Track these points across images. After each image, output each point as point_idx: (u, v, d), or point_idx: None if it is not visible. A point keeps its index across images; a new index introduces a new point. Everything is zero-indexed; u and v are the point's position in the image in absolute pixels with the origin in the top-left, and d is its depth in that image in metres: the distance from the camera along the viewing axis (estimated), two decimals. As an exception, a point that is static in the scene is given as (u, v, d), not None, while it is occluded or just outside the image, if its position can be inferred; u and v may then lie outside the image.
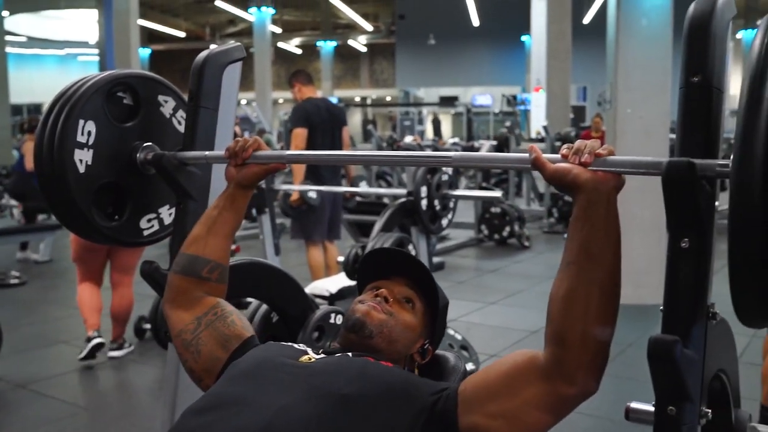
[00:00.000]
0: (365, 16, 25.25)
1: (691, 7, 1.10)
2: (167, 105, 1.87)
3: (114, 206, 1.79)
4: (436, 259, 4.12)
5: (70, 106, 1.68)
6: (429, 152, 1.36)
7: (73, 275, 4.26)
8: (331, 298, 3.98)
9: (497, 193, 5.22)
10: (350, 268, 3.62)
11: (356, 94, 29.76)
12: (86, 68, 21.22)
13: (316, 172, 5.08)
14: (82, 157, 1.68)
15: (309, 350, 1.32)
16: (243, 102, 17.22)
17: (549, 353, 1.12)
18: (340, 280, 4.07)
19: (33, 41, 22.59)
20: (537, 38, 16.53)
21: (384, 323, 1.33)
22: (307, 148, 4.99)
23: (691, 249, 1.06)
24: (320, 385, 1.16)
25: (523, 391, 1.12)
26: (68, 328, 4.85)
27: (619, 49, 5.27)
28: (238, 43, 1.82)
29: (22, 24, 20.39)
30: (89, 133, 1.69)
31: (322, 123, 5.07)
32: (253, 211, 4.51)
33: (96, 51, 14.35)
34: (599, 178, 1.09)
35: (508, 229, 7.81)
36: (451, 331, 3.98)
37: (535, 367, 1.13)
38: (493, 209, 7.89)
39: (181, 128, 1.82)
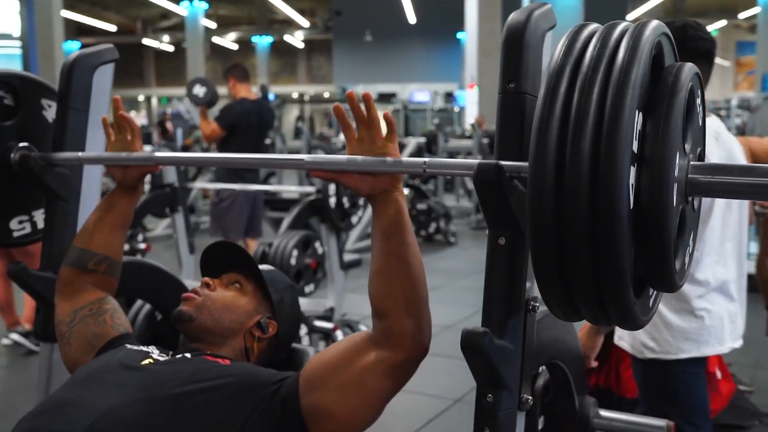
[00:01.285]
0: (301, 12, 25.14)
1: (509, 18, 1.17)
2: (50, 109, 1.85)
3: None
4: (352, 256, 4.15)
5: None
6: (286, 155, 1.39)
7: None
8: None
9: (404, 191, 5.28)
10: (258, 265, 3.63)
11: (293, 90, 29.64)
12: (10, 62, 20.57)
13: (235, 170, 5.07)
14: None
15: (154, 353, 1.35)
16: (175, 98, 16.96)
17: (375, 327, 1.23)
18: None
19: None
20: (471, 35, 16.72)
21: (201, 304, 1.39)
22: (231, 148, 5.00)
23: (506, 246, 1.13)
24: (152, 385, 1.20)
25: (360, 361, 1.21)
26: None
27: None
28: (110, 45, 1.83)
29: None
30: None
31: (248, 128, 5.08)
32: (167, 210, 4.48)
33: (17, 44, 13.96)
34: (378, 186, 1.26)
35: (434, 225, 7.92)
36: (363, 327, 4.05)
37: (368, 341, 1.22)
38: (419, 206, 7.98)
39: None
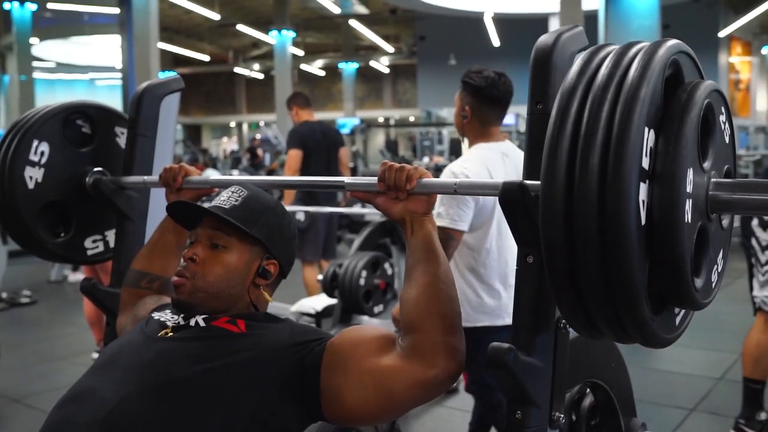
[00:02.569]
0: (386, 38, 25.47)
1: (538, 40, 1.19)
2: (123, 136, 1.99)
3: (62, 225, 1.92)
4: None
5: (26, 127, 1.83)
6: (327, 178, 1.44)
7: (80, 294, 4.42)
8: (317, 316, 4.08)
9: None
10: (329, 285, 3.71)
11: (379, 115, 29.97)
12: (111, 92, 21.70)
13: (312, 194, 5.19)
14: (33, 174, 1.82)
15: (169, 321, 1.35)
16: (262, 123, 17.46)
17: (405, 340, 1.22)
18: (325, 299, 4.17)
19: (61, 66, 23.18)
20: (555, 57, 16.51)
21: (193, 288, 1.32)
22: (303, 170, 5.12)
23: (534, 264, 1.15)
24: (164, 370, 1.21)
25: (385, 363, 1.20)
26: (69, 345, 5.00)
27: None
28: (177, 75, 1.95)
29: (50, 50, 20.94)
30: (42, 153, 1.84)
31: (317, 146, 5.19)
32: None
33: (118, 75, 14.71)
34: (409, 210, 1.29)
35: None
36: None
37: (398, 349, 1.22)
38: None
39: None
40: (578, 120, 0.93)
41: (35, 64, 17.30)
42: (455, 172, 2.31)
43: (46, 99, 20.17)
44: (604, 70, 0.95)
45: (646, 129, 0.91)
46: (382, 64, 28.43)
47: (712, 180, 1.01)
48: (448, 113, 27.92)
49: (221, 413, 1.17)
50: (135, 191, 1.84)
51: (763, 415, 3.05)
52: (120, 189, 1.84)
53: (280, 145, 15.93)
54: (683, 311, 1.06)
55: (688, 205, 0.94)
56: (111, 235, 1.99)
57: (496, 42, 21.56)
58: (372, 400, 1.20)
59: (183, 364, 1.21)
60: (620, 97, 0.91)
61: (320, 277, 3.89)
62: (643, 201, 0.90)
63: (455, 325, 1.23)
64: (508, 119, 24.49)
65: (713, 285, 1.05)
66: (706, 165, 1.00)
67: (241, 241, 1.36)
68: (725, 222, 1.09)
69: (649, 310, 0.94)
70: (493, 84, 2.42)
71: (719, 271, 1.08)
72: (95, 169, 1.92)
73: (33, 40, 16.60)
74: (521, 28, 22.52)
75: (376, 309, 3.69)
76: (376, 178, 1.31)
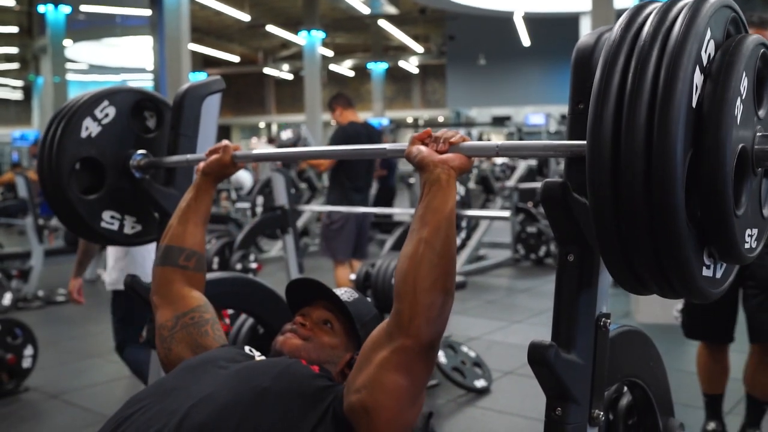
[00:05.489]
0: (415, 38, 25.49)
1: (579, 40, 1.20)
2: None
3: (92, 190, 1.97)
4: (458, 279, 4.19)
5: (104, 91, 1.95)
6: (370, 146, 1.48)
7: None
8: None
9: (506, 213, 5.27)
10: (361, 285, 3.74)
11: (408, 115, 30.01)
12: (143, 93, 21.88)
13: (345, 195, 5.22)
14: (89, 126, 1.90)
15: (257, 357, 1.45)
16: (294, 125, 17.55)
17: (391, 312, 1.24)
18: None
19: (93, 68, 23.52)
20: (585, 57, 16.39)
21: (299, 348, 1.45)
22: (343, 171, 5.15)
23: (575, 263, 1.16)
24: (246, 377, 1.30)
25: (376, 356, 1.22)
26: (104, 342, 5.07)
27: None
28: (218, 77, 1.98)
29: (83, 52, 21.26)
30: (107, 115, 1.94)
31: None
32: (278, 231, 4.67)
33: (149, 77, 14.89)
34: (440, 161, 1.25)
35: (544, 248, 7.82)
36: (465, 348, 4.07)
37: (384, 332, 1.24)
38: (530, 229, 7.91)
39: None
40: (624, 73, 0.97)
41: (68, 66, 17.56)
42: None
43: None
44: (650, 24, 0.98)
45: (708, 33, 0.95)
46: (411, 64, 28.44)
47: (759, 133, 1.03)
48: (477, 113, 27.94)
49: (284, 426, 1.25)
50: (178, 192, 1.88)
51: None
52: (164, 186, 1.88)
53: (310, 145, 16.02)
54: (722, 267, 1.08)
55: (738, 105, 0.96)
56: (128, 222, 2.01)
57: (526, 42, 21.47)
58: (385, 401, 1.21)
59: (264, 375, 1.30)
60: (668, 44, 0.94)
61: (353, 276, 3.91)
62: (697, 85, 0.94)
63: (438, 298, 1.21)
64: (538, 119, 24.42)
65: (746, 243, 1.05)
66: (761, 113, 1.05)
67: (346, 333, 1.51)
68: (766, 212, 1.11)
69: (692, 248, 0.96)
70: None
71: (753, 244, 1.08)
72: (143, 152, 1.98)
73: (66, 42, 16.86)
74: (551, 28, 22.43)
75: (408, 308, 3.69)
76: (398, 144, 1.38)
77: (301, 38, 19.62)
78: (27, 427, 3.55)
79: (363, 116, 5.51)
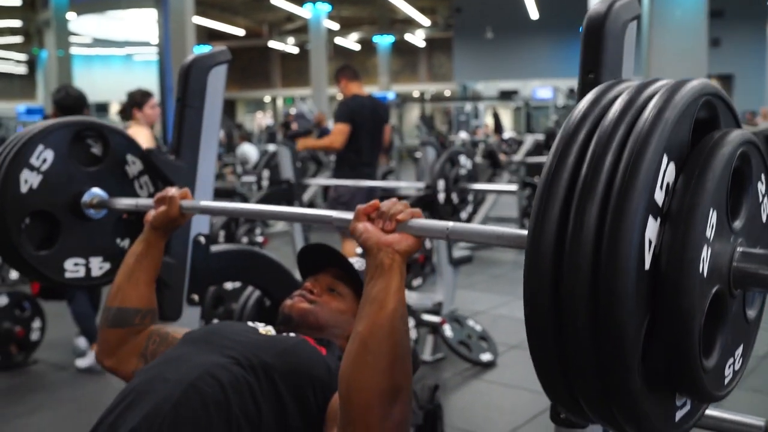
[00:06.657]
0: (422, 11, 25.26)
1: (590, 8, 1.18)
2: (134, 166, 1.86)
3: (47, 242, 1.78)
4: (463, 253, 4.19)
5: (35, 131, 1.73)
6: (314, 210, 1.35)
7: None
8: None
9: (513, 188, 5.25)
10: (368, 258, 3.73)
11: (414, 89, 29.84)
12: (148, 67, 21.85)
13: (354, 168, 5.19)
14: (29, 179, 1.70)
15: (261, 328, 1.44)
16: (299, 98, 17.49)
17: (341, 407, 1.12)
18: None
19: (97, 42, 23.42)
20: (593, 30, 16.24)
21: (308, 312, 1.44)
22: (349, 145, 5.12)
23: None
24: (253, 353, 1.29)
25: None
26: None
27: (652, 40, 5.25)
28: (224, 47, 1.96)
29: (87, 25, 21.15)
30: (44, 160, 1.72)
31: (364, 122, 5.17)
32: (284, 204, 4.67)
33: (155, 50, 14.83)
34: (385, 243, 1.11)
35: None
36: (471, 322, 4.08)
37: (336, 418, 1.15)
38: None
39: (142, 192, 1.88)
40: (580, 159, 0.81)
41: (72, 39, 17.48)
42: None
43: (84, 74, 20.50)
44: (618, 103, 0.84)
45: (665, 158, 0.77)
46: (417, 38, 28.25)
47: (740, 249, 0.86)
48: (484, 87, 27.74)
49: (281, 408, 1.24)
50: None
51: None
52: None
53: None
54: (689, 405, 0.89)
55: (706, 252, 0.78)
56: (95, 262, 1.83)
57: (534, 14, 21.28)
58: None
59: (269, 351, 1.29)
60: (636, 126, 0.79)
61: (359, 250, 3.91)
62: (650, 240, 0.76)
63: (390, 394, 1.07)
64: (546, 93, 24.26)
65: (726, 378, 0.89)
66: (736, 225, 0.86)
67: (355, 301, 1.45)
68: (751, 314, 0.95)
69: (641, 380, 0.77)
70: None
71: (735, 369, 0.91)
72: (94, 189, 1.80)
73: (70, 15, 16.77)
74: (559, 1, 22.23)
75: (415, 282, 3.71)
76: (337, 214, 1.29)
77: (306, 11, 19.51)
78: (36, 398, 3.59)
79: (369, 90, 5.46)
